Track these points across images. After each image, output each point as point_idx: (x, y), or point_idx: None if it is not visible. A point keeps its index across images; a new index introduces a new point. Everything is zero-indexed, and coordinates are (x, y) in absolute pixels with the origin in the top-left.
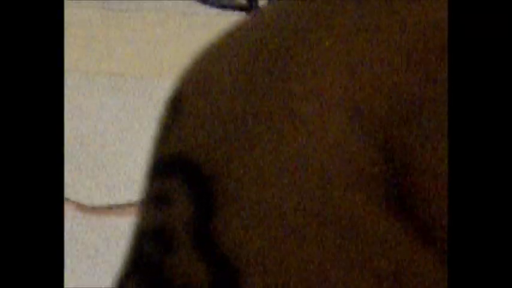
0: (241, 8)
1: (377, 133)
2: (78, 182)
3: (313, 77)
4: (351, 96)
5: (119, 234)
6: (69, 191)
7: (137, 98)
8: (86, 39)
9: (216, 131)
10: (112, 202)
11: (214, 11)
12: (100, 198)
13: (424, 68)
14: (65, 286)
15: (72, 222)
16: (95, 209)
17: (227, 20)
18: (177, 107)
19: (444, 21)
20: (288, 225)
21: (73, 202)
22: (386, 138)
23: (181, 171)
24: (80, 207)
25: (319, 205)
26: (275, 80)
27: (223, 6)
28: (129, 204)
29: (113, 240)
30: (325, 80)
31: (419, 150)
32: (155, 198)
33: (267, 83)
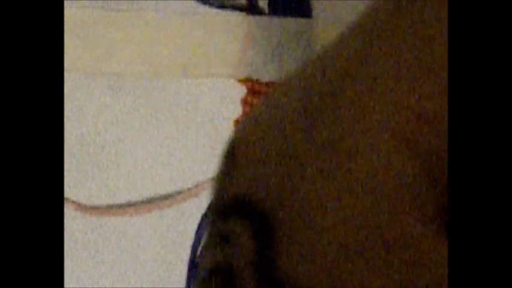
0: (241, 8)
1: (423, 160)
2: (78, 182)
3: (362, 110)
4: (398, 126)
5: (119, 234)
6: (69, 191)
7: (137, 98)
8: (86, 39)
9: (268, 170)
10: (112, 202)
11: (214, 11)
12: (100, 198)
13: None
14: (65, 286)
15: (72, 222)
16: (95, 209)
17: (227, 20)
18: (232, 155)
19: None
20: (344, 251)
21: (73, 202)
22: (432, 164)
23: (241, 211)
24: (80, 207)
25: (374, 230)
26: (324, 116)
27: (223, 6)
28: (129, 204)
29: (113, 240)
30: (374, 112)
31: None
32: (218, 239)
33: (315, 120)
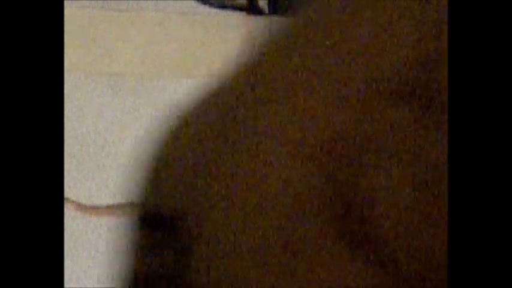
0: (241, 8)
1: (326, 168)
2: (78, 182)
3: (271, 126)
4: (303, 139)
5: (119, 234)
6: (69, 191)
7: (137, 98)
8: (86, 39)
9: (187, 183)
10: (112, 202)
11: (214, 11)
12: (100, 198)
13: (372, 111)
14: (65, 286)
15: (72, 222)
16: (94, 209)
17: (227, 20)
18: (155, 169)
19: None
20: (251, 256)
21: (73, 202)
22: (334, 172)
23: (162, 224)
24: (80, 207)
25: (277, 234)
26: (238, 133)
27: (223, 6)
28: (129, 204)
29: (113, 240)
30: (281, 129)
31: (362, 181)
32: (143, 249)
33: (230, 136)
